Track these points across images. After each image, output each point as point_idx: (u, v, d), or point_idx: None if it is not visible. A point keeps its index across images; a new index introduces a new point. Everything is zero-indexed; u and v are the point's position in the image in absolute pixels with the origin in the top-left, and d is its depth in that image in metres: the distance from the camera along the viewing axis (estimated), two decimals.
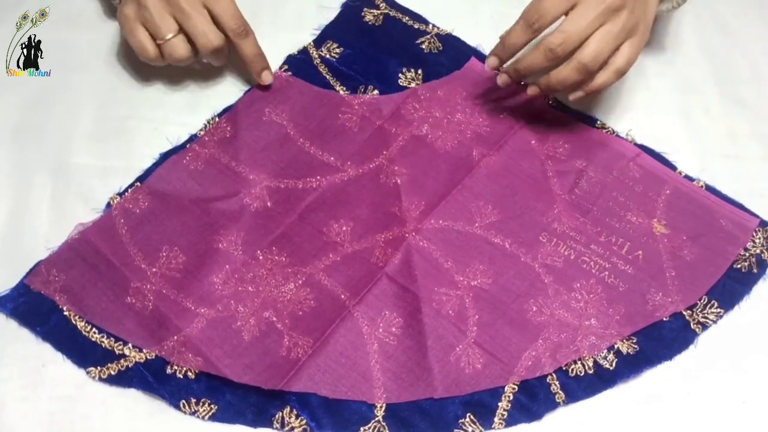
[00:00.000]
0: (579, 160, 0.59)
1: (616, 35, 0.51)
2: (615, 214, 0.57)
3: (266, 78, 0.60)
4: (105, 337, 0.49)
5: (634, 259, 0.55)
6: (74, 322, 0.50)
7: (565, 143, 0.60)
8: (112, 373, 0.48)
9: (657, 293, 0.53)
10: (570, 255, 0.55)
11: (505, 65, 0.57)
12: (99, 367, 0.48)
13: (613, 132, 0.62)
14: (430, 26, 0.68)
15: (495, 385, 0.49)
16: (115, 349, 0.49)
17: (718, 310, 0.53)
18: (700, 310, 0.53)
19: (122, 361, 0.49)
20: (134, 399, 0.48)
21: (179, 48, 0.56)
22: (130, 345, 0.49)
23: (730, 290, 0.54)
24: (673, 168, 0.60)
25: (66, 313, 0.50)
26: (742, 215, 0.57)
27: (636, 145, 0.61)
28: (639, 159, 0.60)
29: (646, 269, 0.54)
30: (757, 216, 0.57)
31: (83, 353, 0.49)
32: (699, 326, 0.52)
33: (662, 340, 0.52)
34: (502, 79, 0.58)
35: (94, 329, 0.50)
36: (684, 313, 0.53)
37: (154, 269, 0.52)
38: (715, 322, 0.53)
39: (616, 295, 0.53)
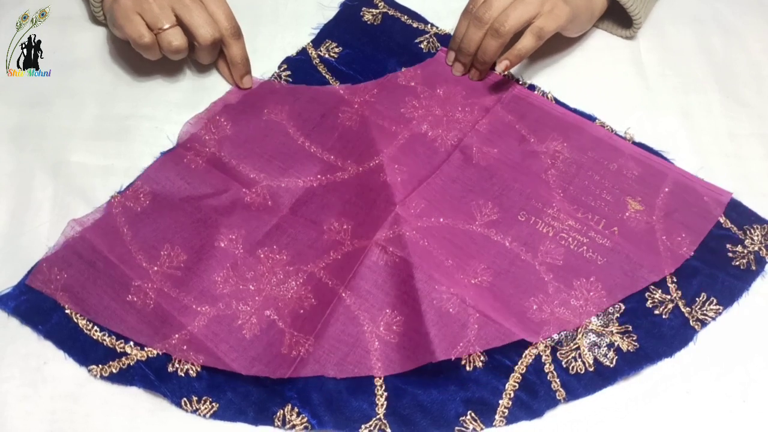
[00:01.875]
0: (555, 143, 0.61)
1: (527, 3, 0.59)
2: (591, 192, 0.58)
3: (246, 83, 0.62)
4: (106, 335, 0.50)
5: (611, 234, 0.55)
6: (75, 320, 0.50)
7: (564, 142, 0.61)
8: (114, 371, 0.48)
9: (636, 264, 0.54)
10: (549, 232, 0.55)
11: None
12: (100, 366, 0.48)
13: (612, 130, 0.62)
14: (429, 26, 0.68)
15: (492, 346, 0.50)
16: (117, 348, 0.49)
17: (717, 307, 0.53)
18: (699, 307, 0.53)
19: (124, 359, 0.49)
20: (136, 397, 0.48)
21: (177, 38, 0.57)
22: (131, 343, 0.49)
23: (729, 287, 0.54)
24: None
25: (67, 311, 0.50)
26: (715, 189, 0.58)
27: (634, 143, 0.61)
28: (612, 140, 0.61)
29: (622, 243, 0.55)
30: (729, 192, 0.58)
31: (85, 351, 0.49)
32: (698, 323, 0.52)
33: (662, 337, 0.52)
34: (457, 69, 0.64)
35: (95, 327, 0.50)
36: (683, 310, 0.53)
37: (155, 268, 0.52)
38: (714, 319, 0.53)
39: (606, 277, 0.53)
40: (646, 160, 0.60)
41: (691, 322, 0.52)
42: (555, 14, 0.59)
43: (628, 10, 0.65)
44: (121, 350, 0.49)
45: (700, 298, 0.53)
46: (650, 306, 0.53)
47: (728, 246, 0.56)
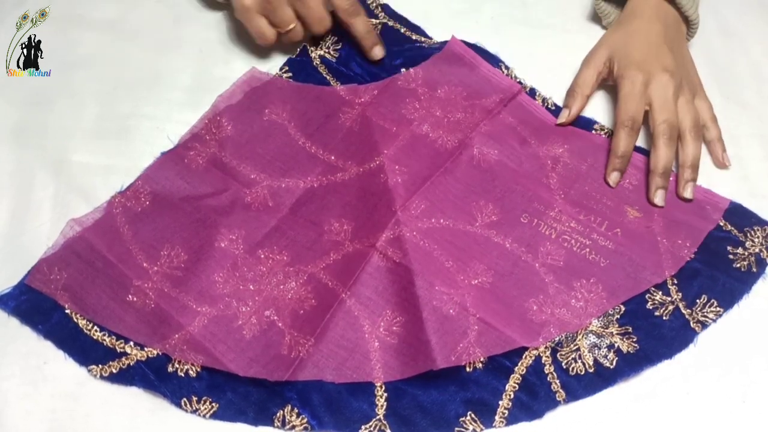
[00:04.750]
0: (555, 147, 0.61)
1: (689, 100, 0.60)
2: (591, 197, 0.58)
3: (377, 53, 0.64)
4: (106, 335, 0.49)
5: (614, 236, 0.55)
6: (75, 320, 0.50)
7: (564, 146, 0.61)
8: (114, 371, 0.48)
9: (639, 266, 0.54)
10: (551, 234, 0.55)
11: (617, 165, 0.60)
12: (100, 365, 0.48)
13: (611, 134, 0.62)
14: (428, 39, 0.67)
15: (492, 353, 0.50)
16: (117, 347, 0.49)
17: (718, 309, 0.53)
18: (699, 309, 0.53)
19: (123, 359, 0.49)
20: (136, 397, 0.48)
21: (299, 34, 0.62)
22: (131, 343, 0.49)
23: (729, 289, 0.54)
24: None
25: (67, 311, 0.50)
26: (713, 195, 0.59)
27: (634, 147, 0.61)
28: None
29: (625, 244, 0.55)
30: (727, 198, 0.58)
31: (85, 351, 0.49)
32: (699, 325, 0.52)
33: (662, 339, 0.52)
34: (615, 179, 0.59)
35: (95, 327, 0.50)
36: (684, 312, 0.53)
37: (156, 268, 0.52)
38: (714, 321, 0.53)
39: (608, 279, 0.53)
40: (645, 167, 0.60)
41: (691, 323, 0.52)
42: (707, 102, 0.63)
43: (690, 20, 0.65)
44: (121, 350, 0.49)
45: (701, 300, 0.53)
46: (651, 307, 0.53)
47: (729, 248, 0.56)
